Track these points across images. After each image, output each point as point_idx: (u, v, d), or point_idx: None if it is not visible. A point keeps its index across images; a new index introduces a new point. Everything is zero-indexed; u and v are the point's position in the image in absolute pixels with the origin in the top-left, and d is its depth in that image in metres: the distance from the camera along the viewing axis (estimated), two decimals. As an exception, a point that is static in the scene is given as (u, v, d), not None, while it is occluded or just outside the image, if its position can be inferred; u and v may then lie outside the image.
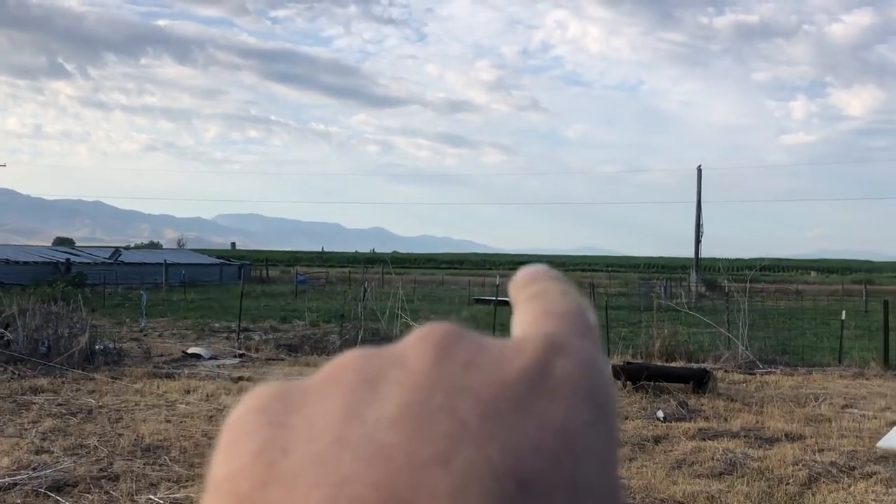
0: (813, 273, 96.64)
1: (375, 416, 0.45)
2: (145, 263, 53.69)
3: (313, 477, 0.45)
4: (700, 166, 45.95)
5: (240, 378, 13.48)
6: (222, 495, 0.46)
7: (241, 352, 17.10)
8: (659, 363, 15.70)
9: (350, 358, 0.48)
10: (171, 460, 8.26)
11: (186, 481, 7.59)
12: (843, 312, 19.85)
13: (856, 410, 11.66)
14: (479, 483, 0.45)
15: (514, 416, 0.44)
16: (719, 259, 59.11)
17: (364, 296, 19.24)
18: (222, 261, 65.62)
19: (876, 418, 11.00)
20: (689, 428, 10.10)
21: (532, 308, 0.51)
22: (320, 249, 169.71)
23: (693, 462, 8.49)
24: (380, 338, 17.59)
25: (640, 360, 15.94)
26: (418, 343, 0.47)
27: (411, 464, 0.45)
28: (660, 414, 10.99)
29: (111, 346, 15.77)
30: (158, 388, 12.32)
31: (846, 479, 7.88)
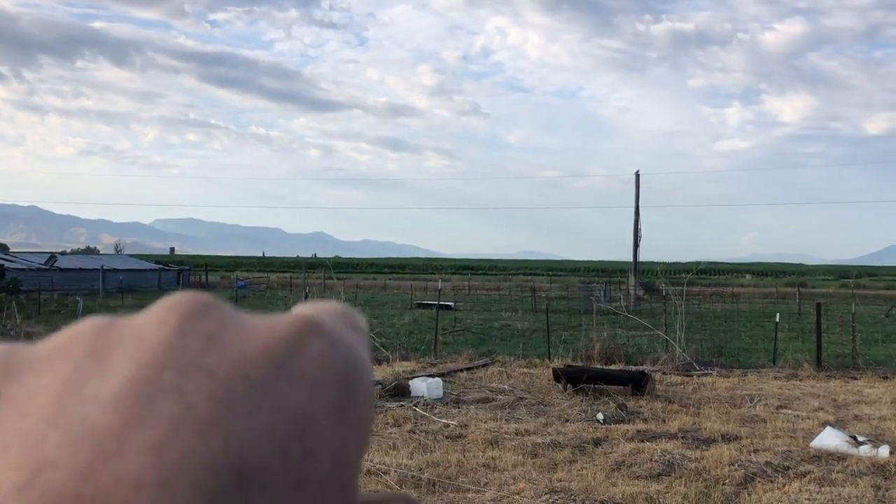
0: (748, 276, 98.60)
1: (95, 394, 0.41)
2: (82, 269, 52.69)
3: (14, 459, 0.41)
4: (638, 172, 46.62)
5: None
6: None
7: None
8: (598, 366, 15.90)
9: (86, 326, 0.44)
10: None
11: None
12: (777, 315, 20.30)
13: (790, 411, 11.94)
14: (191, 475, 0.41)
15: (247, 400, 0.41)
16: (657, 263, 59.85)
17: (305, 301, 19.13)
18: (161, 266, 64.68)
19: (809, 418, 11.28)
20: (627, 430, 10.25)
21: (301, 307, 0.47)
22: (261, 254, 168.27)
23: (632, 463, 8.62)
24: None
25: (580, 363, 16.11)
26: (161, 312, 0.43)
27: (121, 450, 0.41)
28: (599, 416, 11.13)
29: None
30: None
31: (781, 478, 8.08)
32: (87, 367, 0.41)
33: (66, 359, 0.41)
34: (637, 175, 46.28)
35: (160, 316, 0.42)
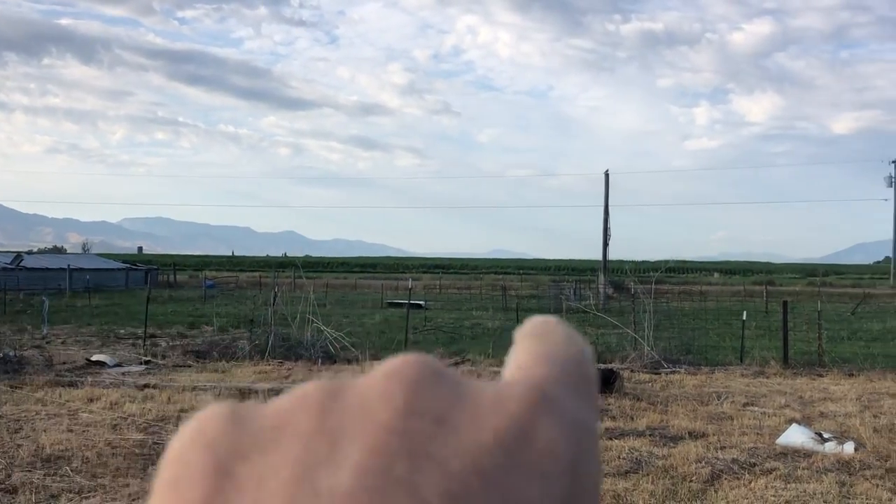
0: (716, 275, 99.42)
1: (329, 485, 0.39)
2: (48, 269, 52.06)
3: None
4: (608, 171, 46.84)
5: (145, 385, 13.18)
6: None
7: (146, 359, 16.73)
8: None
9: (311, 395, 0.41)
10: (73, 471, 8.03)
11: (89, 492, 7.40)
12: (745, 313, 20.48)
13: (756, 408, 12.04)
14: None
15: (481, 495, 0.38)
16: (627, 261, 60.14)
17: (274, 300, 19.02)
18: (128, 265, 64.08)
19: (776, 415, 11.37)
20: (596, 428, 10.28)
21: (529, 346, 0.45)
22: (230, 253, 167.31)
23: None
24: (290, 343, 17.43)
25: (549, 362, 16.14)
26: (387, 385, 0.41)
27: None
28: (568, 414, 11.16)
29: (11, 353, 15.26)
30: (60, 396, 11.97)
31: (747, 475, 8.13)
32: (318, 449, 0.39)
33: (296, 437, 0.40)
34: (607, 174, 46.51)
35: (385, 390, 0.41)
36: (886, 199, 73.63)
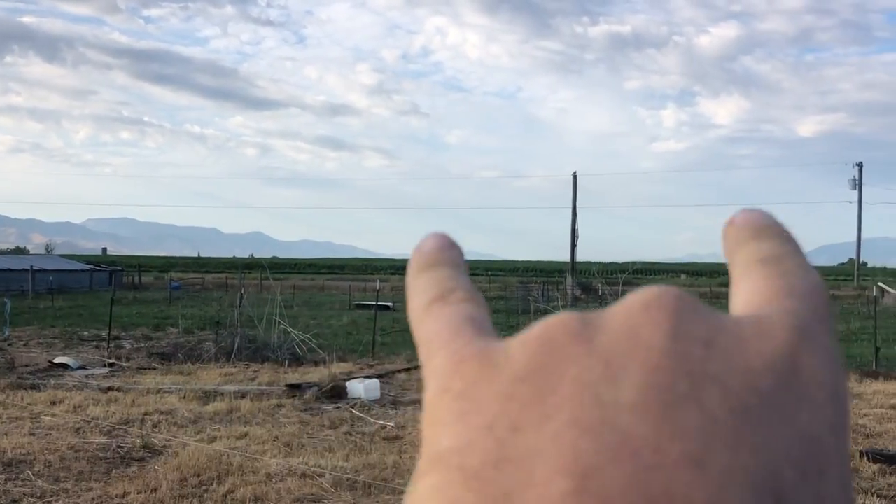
0: (683, 276, 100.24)
1: (614, 399, 0.39)
2: (10, 270, 51.32)
3: (553, 462, 0.39)
4: (575, 173, 47.10)
5: (109, 388, 13.02)
6: (450, 470, 0.40)
7: (111, 361, 16.54)
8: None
9: (567, 324, 0.41)
10: (34, 475, 7.90)
11: (51, 496, 7.28)
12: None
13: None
14: (737, 495, 0.38)
15: (764, 417, 0.39)
16: (594, 263, 60.51)
17: (241, 302, 18.89)
18: (92, 267, 63.39)
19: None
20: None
21: (766, 275, 0.44)
22: (196, 255, 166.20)
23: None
24: (257, 345, 17.32)
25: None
26: (650, 312, 0.41)
27: (662, 463, 0.38)
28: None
29: (-30, 356, 15.02)
30: (22, 399, 11.80)
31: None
32: (595, 370, 0.40)
33: (567, 360, 0.41)
34: (574, 176, 46.74)
35: (649, 318, 0.41)
36: (850, 202, 74.63)
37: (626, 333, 0.41)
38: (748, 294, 0.43)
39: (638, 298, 0.42)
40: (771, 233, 0.46)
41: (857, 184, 73.36)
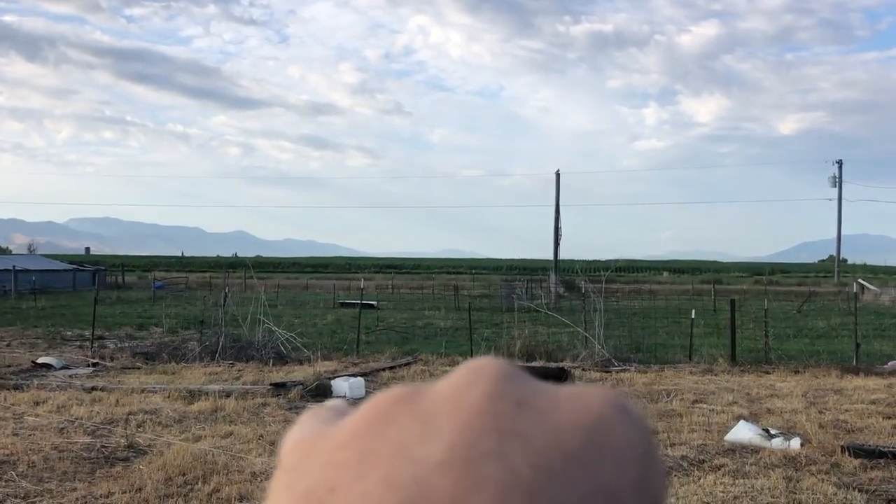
0: (665, 273, 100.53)
1: (424, 456, 0.43)
2: (-8, 270, 50.98)
3: None
4: (558, 171, 47.19)
5: (93, 388, 12.96)
6: None
7: (94, 361, 16.47)
8: (520, 363, 16.00)
9: (397, 392, 0.46)
10: (18, 475, 7.87)
11: (35, 497, 7.26)
12: (693, 311, 20.73)
13: (705, 405, 12.20)
14: None
15: (564, 470, 0.42)
16: (577, 261, 60.53)
17: (225, 301, 18.84)
18: (75, 266, 62.99)
19: (724, 412, 11.53)
20: (548, 426, 10.34)
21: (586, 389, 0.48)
22: (180, 254, 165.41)
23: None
24: (241, 344, 17.28)
25: (502, 361, 16.20)
26: (468, 377, 0.45)
27: None
28: (521, 413, 11.20)
29: (-48, 357, 14.92)
30: (6, 400, 11.75)
31: (696, 471, 8.24)
32: (413, 430, 0.43)
33: (392, 423, 0.44)
34: (557, 174, 46.83)
35: (469, 380, 0.45)
36: (830, 199, 75.02)
37: (448, 397, 0.44)
38: None
39: (464, 367, 0.46)
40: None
41: (837, 181, 73.75)
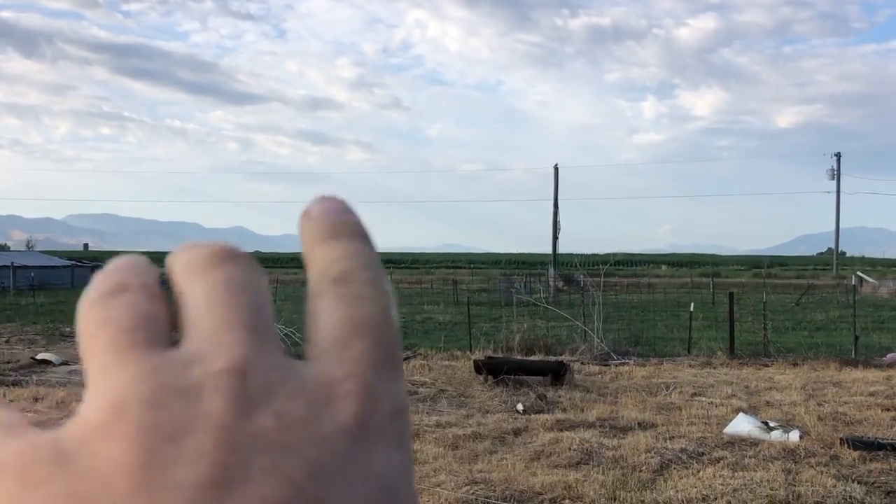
0: (664, 267, 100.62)
1: (186, 479, 0.37)
2: (-10, 266, 50.99)
3: None
4: (556, 165, 47.15)
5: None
6: None
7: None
8: (519, 357, 16.02)
9: (132, 391, 0.39)
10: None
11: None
12: (692, 304, 20.73)
13: (704, 398, 12.21)
14: None
15: (341, 474, 0.40)
16: (576, 255, 60.49)
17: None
18: (73, 262, 63.00)
19: (723, 405, 11.55)
20: (547, 420, 10.35)
21: (338, 300, 0.44)
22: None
23: (551, 453, 8.70)
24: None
25: (500, 355, 16.23)
26: (212, 378, 0.39)
27: None
28: (519, 407, 11.22)
29: (-49, 354, 14.92)
30: (5, 396, 11.74)
31: (696, 464, 8.25)
32: (161, 448, 0.38)
33: (130, 435, 0.38)
34: (556, 168, 46.81)
35: (211, 382, 0.40)
36: (829, 192, 75.05)
37: (188, 404, 0.39)
38: (325, 323, 0.43)
39: (199, 344, 0.40)
40: (345, 232, 0.46)
41: (836, 174, 73.79)
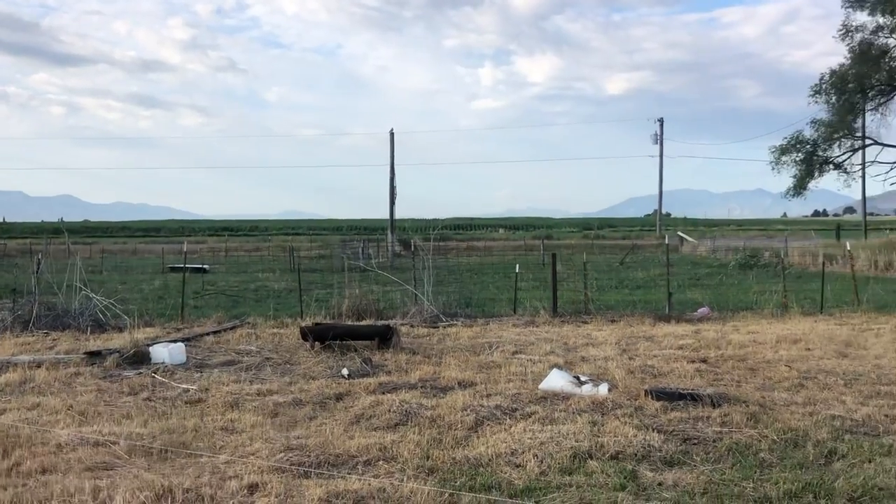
0: (500, 231, 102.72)
1: None
2: None
3: None
4: (392, 130, 47.15)
5: None
6: None
7: None
8: (350, 322, 16.04)
9: None
10: None
11: None
12: (517, 266, 21.27)
13: (524, 356, 12.58)
14: None
15: None
16: (417, 220, 61.02)
17: (38, 268, 17.91)
18: None
19: (541, 362, 11.94)
20: (370, 383, 10.42)
21: None
22: (0, 219, 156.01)
23: (371, 416, 8.76)
24: (56, 312, 16.51)
25: (329, 321, 16.19)
26: None
27: None
28: (345, 371, 11.24)
29: None
30: None
31: (508, 420, 8.49)
32: None
33: None
34: (391, 133, 46.80)
35: None
36: (653, 156, 78.30)
37: None
38: None
39: None
40: None
41: (659, 139, 76.97)
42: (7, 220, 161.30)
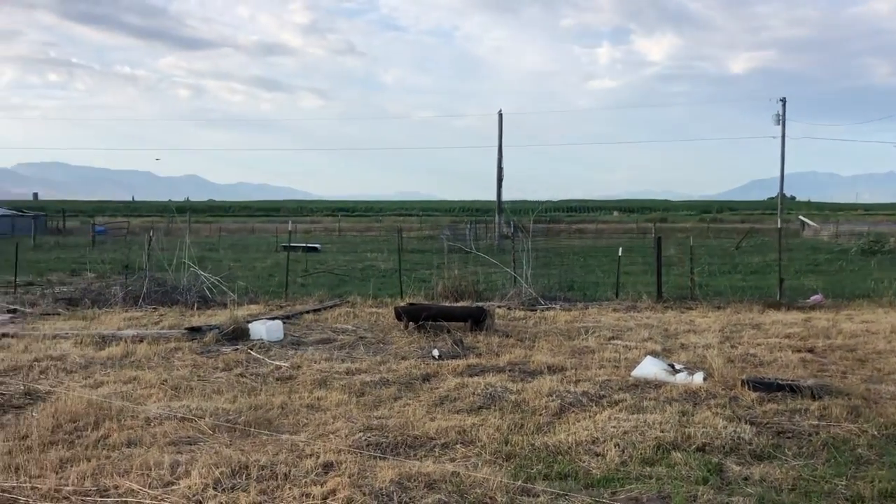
0: (615, 213, 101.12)
1: None
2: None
3: None
4: (501, 111, 46.88)
5: (4, 335, 12.71)
6: None
7: (13, 307, 16.13)
8: (446, 304, 15.99)
9: None
10: None
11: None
12: (620, 249, 20.79)
13: (619, 342, 12.27)
14: None
15: None
16: (530, 202, 60.60)
17: (149, 245, 18.51)
18: (14, 212, 61.80)
19: (637, 348, 11.61)
20: (458, 365, 10.33)
21: None
22: (130, 199, 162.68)
23: (455, 398, 8.68)
24: (166, 288, 17.04)
25: (425, 302, 16.18)
26: None
27: None
28: (435, 353, 11.19)
29: None
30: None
31: (595, 407, 8.27)
32: None
33: None
34: (500, 115, 46.55)
35: None
36: (775, 137, 75.51)
37: None
38: None
39: None
40: None
41: (781, 119, 74.19)
42: (137, 198, 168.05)
